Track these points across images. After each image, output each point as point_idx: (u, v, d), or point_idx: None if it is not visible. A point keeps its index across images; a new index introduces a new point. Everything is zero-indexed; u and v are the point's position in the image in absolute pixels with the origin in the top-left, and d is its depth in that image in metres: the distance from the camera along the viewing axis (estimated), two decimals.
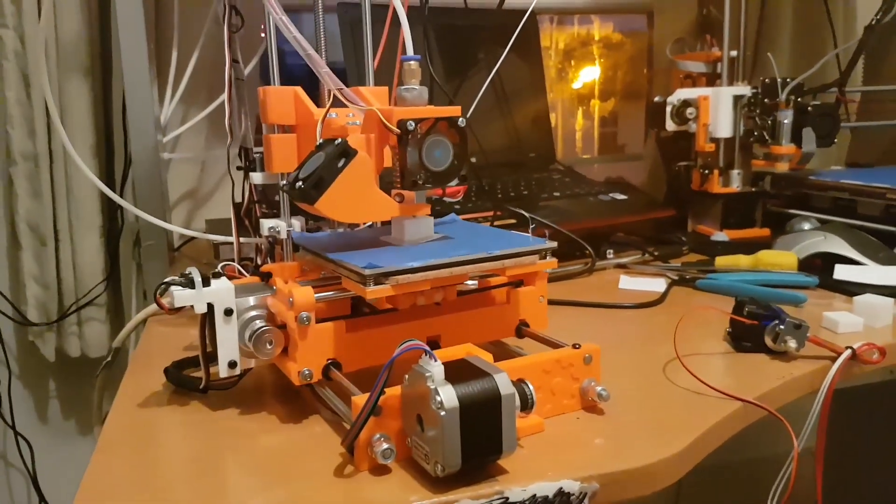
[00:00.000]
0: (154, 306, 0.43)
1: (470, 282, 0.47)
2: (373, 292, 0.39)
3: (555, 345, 0.45)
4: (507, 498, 0.34)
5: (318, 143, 0.43)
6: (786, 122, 0.86)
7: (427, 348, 0.35)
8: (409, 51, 0.44)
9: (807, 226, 0.82)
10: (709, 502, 1.23)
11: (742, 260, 0.74)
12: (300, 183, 0.41)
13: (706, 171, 0.91)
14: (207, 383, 0.46)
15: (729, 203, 0.91)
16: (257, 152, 0.53)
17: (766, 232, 0.90)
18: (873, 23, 1.00)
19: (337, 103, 0.44)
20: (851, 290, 0.64)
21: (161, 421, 0.44)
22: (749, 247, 0.76)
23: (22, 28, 0.85)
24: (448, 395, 0.33)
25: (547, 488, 0.35)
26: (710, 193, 0.91)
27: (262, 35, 0.51)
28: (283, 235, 0.51)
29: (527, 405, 0.38)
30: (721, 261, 0.76)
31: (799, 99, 0.87)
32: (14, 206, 0.89)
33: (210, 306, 0.42)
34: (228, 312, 0.43)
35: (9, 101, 0.86)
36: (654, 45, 1.15)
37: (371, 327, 0.44)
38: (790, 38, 1.17)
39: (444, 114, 0.43)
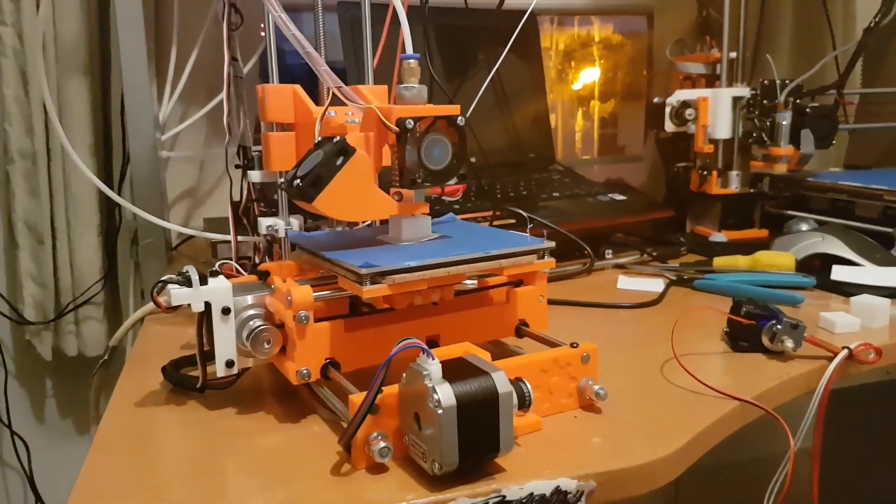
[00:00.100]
0: (151, 305, 0.43)
1: (469, 282, 0.47)
2: (369, 292, 0.39)
3: (554, 344, 0.45)
4: (505, 496, 0.34)
5: (316, 141, 0.43)
6: (784, 123, 0.86)
7: (424, 346, 0.35)
8: (409, 49, 0.44)
9: (805, 227, 0.82)
10: (707, 503, 1.23)
11: (740, 260, 0.74)
12: (298, 181, 0.41)
13: (705, 173, 0.91)
14: (205, 382, 0.46)
15: (727, 204, 0.92)
16: (256, 150, 0.53)
17: (764, 233, 0.90)
18: (872, 25, 1.01)
19: (336, 101, 0.44)
20: (849, 290, 0.64)
21: (158, 420, 0.44)
22: (747, 248, 0.76)
23: (20, 25, 0.84)
24: (445, 394, 0.33)
25: (544, 486, 0.35)
26: (709, 194, 0.91)
27: (262, 34, 0.51)
28: (282, 234, 0.51)
29: (524, 404, 0.38)
30: (719, 261, 0.76)
31: (797, 101, 0.87)
32: (11, 205, 0.89)
33: (207, 305, 0.42)
34: (226, 311, 0.43)
35: (7, 98, 0.85)
36: (654, 47, 1.15)
37: (370, 327, 0.44)
38: (790, 40, 1.17)
39: (443, 112, 0.43)
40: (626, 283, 0.73)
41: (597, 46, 1.16)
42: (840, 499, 1.04)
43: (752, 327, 0.52)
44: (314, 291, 0.42)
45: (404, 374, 0.36)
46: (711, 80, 0.94)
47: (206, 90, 0.97)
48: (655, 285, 0.71)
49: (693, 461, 0.40)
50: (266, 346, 0.43)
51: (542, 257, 0.45)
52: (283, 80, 0.50)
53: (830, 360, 0.49)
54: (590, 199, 0.87)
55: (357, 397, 0.36)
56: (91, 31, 0.89)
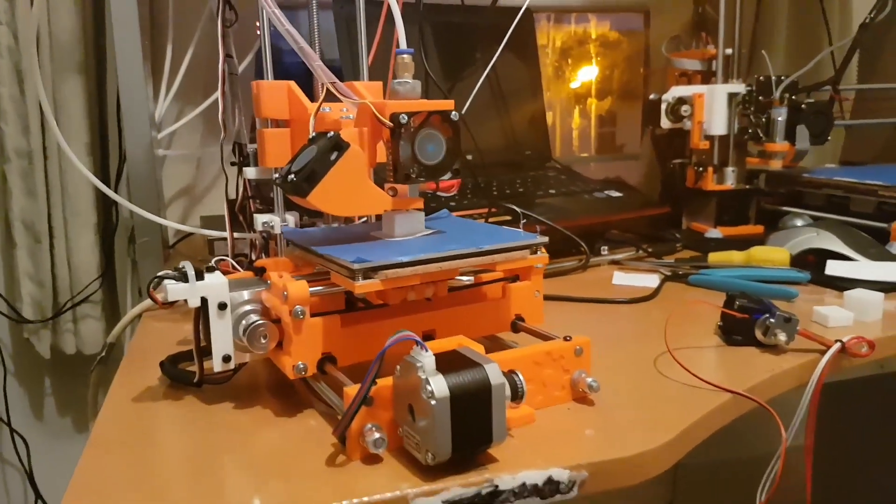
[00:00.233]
0: (149, 301, 0.43)
1: (465, 278, 0.48)
2: (361, 287, 0.39)
3: (549, 339, 0.46)
4: (497, 486, 0.35)
5: (310, 137, 0.43)
6: (780, 119, 0.86)
7: (418, 339, 0.35)
8: (403, 44, 0.45)
9: (799, 222, 0.82)
10: (703, 501, 1.24)
11: (735, 256, 0.75)
12: (292, 176, 0.41)
13: (700, 169, 0.92)
14: (202, 377, 0.46)
15: (723, 200, 0.92)
16: (251, 148, 0.53)
17: (759, 229, 0.90)
18: (868, 21, 1.01)
19: (330, 98, 0.44)
20: (843, 285, 0.65)
21: (154, 415, 0.44)
22: (743, 244, 0.77)
23: (15, 24, 0.85)
24: (439, 385, 0.34)
25: (536, 476, 0.35)
26: (705, 191, 0.91)
27: (258, 31, 0.52)
28: (277, 230, 0.51)
29: (517, 395, 0.38)
30: (714, 257, 0.76)
31: (793, 97, 0.87)
32: (8, 204, 0.89)
33: (204, 301, 0.42)
34: (222, 306, 0.43)
35: (2, 97, 0.85)
36: (651, 44, 1.15)
37: (365, 322, 0.44)
38: (785, 36, 1.17)
39: (436, 107, 0.43)
40: (621, 278, 0.73)
41: (594, 44, 1.16)
42: (833, 493, 1.05)
43: (745, 321, 0.53)
44: (310, 287, 0.42)
45: (398, 367, 0.36)
46: (707, 77, 0.94)
47: (203, 88, 0.97)
48: (650, 281, 0.71)
49: (685, 453, 0.40)
50: (262, 341, 0.43)
51: (536, 252, 0.45)
52: (279, 78, 0.50)
53: (823, 353, 0.50)
54: (586, 196, 0.88)
55: (351, 389, 0.37)
56: (86, 30, 0.89)
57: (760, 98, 0.88)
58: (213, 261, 0.48)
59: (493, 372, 0.35)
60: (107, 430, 0.42)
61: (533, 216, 0.73)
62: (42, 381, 1.01)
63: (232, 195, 0.59)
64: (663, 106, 0.91)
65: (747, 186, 0.91)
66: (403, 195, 0.45)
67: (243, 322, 0.43)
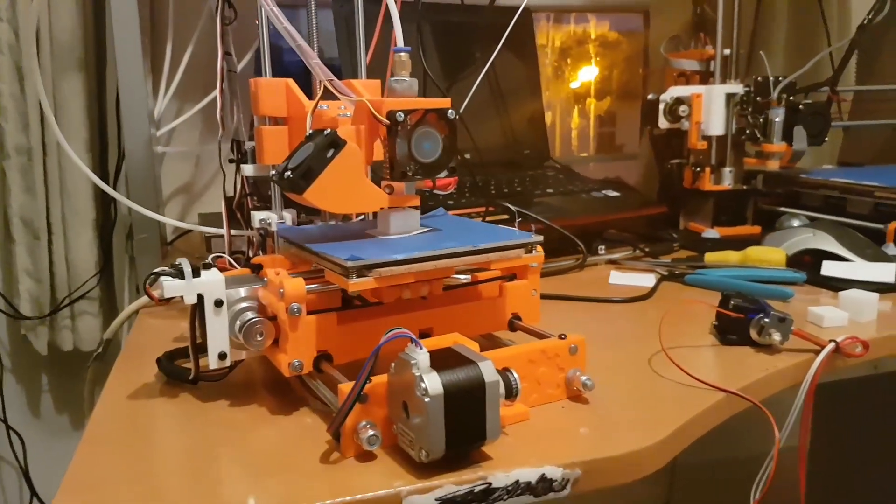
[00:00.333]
0: (146, 298, 0.43)
1: (463, 276, 0.48)
2: (355, 285, 0.39)
3: (545, 338, 0.46)
4: (490, 483, 0.35)
5: (307, 134, 0.44)
6: (777, 120, 0.86)
7: (413, 336, 0.35)
8: (400, 42, 0.45)
9: (796, 223, 0.83)
10: (700, 500, 1.24)
11: (731, 256, 0.75)
12: (289, 173, 0.41)
13: (698, 169, 0.92)
14: (197, 374, 0.47)
15: (720, 200, 0.92)
16: (249, 145, 0.53)
17: (756, 229, 0.90)
18: (866, 22, 1.01)
19: (328, 95, 0.45)
20: (839, 285, 0.65)
21: (150, 412, 0.44)
22: (740, 244, 0.77)
23: (16, 21, 0.85)
24: (433, 382, 0.34)
25: (530, 474, 0.35)
26: (702, 191, 0.91)
27: (258, 31, 0.52)
28: (274, 228, 0.51)
29: (511, 393, 0.38)
30: (710, 257, 0.76)
31: (791, 97, 0.87)
32: (7, 201, 0.89)
33: (200, 297, 0.43)
34: (219, 303, 0.43)
35: (2, 94, 0.86)
36: (650, 45, 1.15)
37: (362, 320, 0.44)
38: (784, 37, 1.18)
39: (433, 105, 0.43)
40: (617, 278, 0.73)
41: (593, 44, 1.16)
42: (827, 493, 1.05)
43: (740, 320, 0.53)
44: (306, 284, 0.42)
45: (393, 364, 0.36)
46: (705, 77, 0.94)
47: (202, 86, 0.97)
48: (647, 280, 0.71)
49: (679, 451, 0.40)
50: (259, 339, 0.43)
51: (531, 251, 0.46)
52: (278, 76, 0.50)
53: (817, 353, 0.50)
54: (584, 196, 0.88)
55: (346, 386, 0.37)
56: (86, 27, 0.89)
57: (758, 99, 0.88)
58: (209, 258, 0.48)
59: (488, 369, 0.35)
60: (102, 426, 0.43)
61: (529, 215, 0.73)
62: (39, 377, 1.01)
63: (230, 192, 0.59)
64: (661, 106, 0.91)
65: (745, 187, 0.91)
66: (400, 193, 0.45)
67: (239, 319, 0.43)
